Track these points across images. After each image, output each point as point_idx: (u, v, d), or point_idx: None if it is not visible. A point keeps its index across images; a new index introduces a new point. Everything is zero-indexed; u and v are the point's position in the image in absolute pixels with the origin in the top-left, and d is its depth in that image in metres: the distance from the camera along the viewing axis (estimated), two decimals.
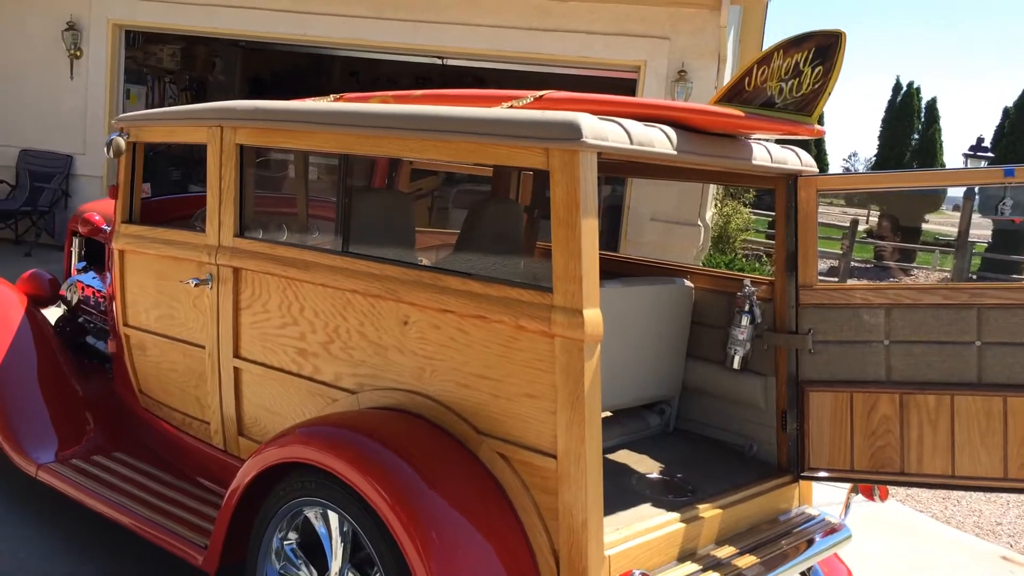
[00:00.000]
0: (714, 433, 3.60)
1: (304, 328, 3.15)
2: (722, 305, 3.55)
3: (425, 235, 4.57)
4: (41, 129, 11.30)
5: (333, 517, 2.71)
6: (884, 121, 28.49)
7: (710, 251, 11.01)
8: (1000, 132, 26.38)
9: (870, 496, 3.28)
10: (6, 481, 4.25)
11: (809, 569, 3.32)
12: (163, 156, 12.10)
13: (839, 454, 3.20)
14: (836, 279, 15.25)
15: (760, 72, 2.88)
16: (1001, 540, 5.10)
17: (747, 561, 2.88)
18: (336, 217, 3.88)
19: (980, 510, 5.54)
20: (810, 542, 3.14)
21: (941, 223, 34.00)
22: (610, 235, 10.13)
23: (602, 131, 2.43)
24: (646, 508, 2.85)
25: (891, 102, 28.35)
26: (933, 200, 27.14)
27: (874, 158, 30.38)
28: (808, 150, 3.36)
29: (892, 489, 3.99)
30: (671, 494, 3.00)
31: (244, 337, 3.38)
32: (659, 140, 2.63)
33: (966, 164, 17.33)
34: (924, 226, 26.25)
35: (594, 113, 2.48)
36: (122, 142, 3.85)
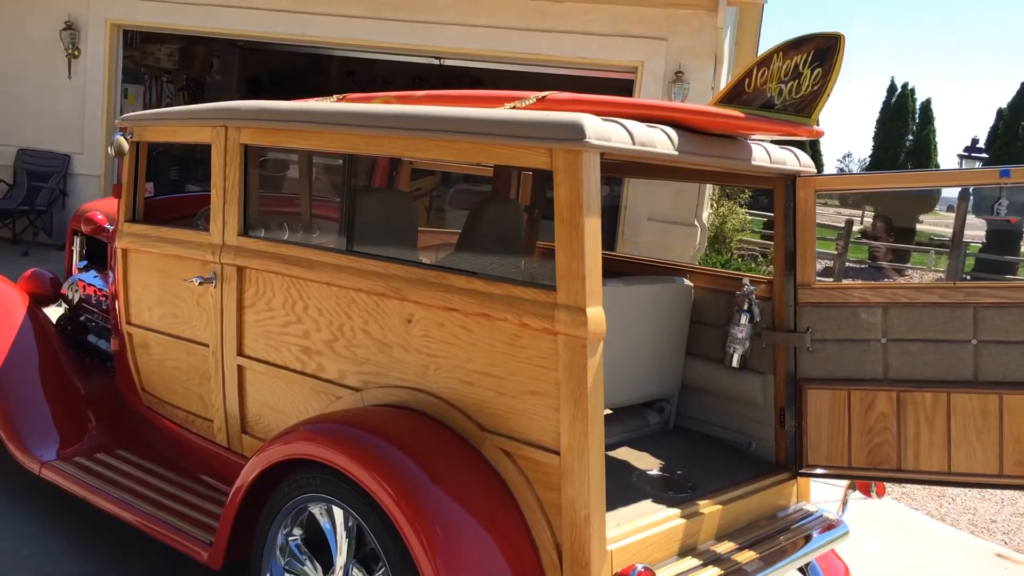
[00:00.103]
0: (713, 430, 3.64)
1: (308, 326, 3.18)
2: (721, 304, 3.59)
3: (425, 234, 4.60)
4: (39, 128, 11.32)
5: (338, 513, 2.74)
6: (879, 122, 28.55)
7: (706, 251, 11.06)
8: (994, 133, 26.48)
9: (867, 492, 3.32)
10: (8, 479, 4.27)
11: (807, 565, 3.36)
12: (161, 156, 12.11)
13: (837, 451, 3.24)
14: (831, 279, 15.31)
15: (760, 74, 2.92)
16: (996, 537, 5.14)
17: (746, 556, 2.91)
18: (340, 216, 3.91)
19: (975, 508, 5.59)
20: (808, 538, 3.18)
21: (935, 224, 34.12)
22: (607, 235, 10.16)
23: (605, 132, 2.46)
24: (647, 504, 2.88)
25: (886, 103, 28.41)
26: (927, 201, 27.23)
27: (868, 159, 30.45)
28: (803, 151, 3.39)
29: (888, 486, 4.04)
30: (671, 491, 3.03)
31: (248, 335, 3.41)
32: (660, 141, 2.67)
33: (961, 165, 17.40)
34: (918, 227, 26.36)
35: (596, 114, 2.52)
36: (124, 142, 3.88)
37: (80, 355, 4.76)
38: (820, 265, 17.17)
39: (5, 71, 11.43)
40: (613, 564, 2.53)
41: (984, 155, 18.24)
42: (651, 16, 9.69)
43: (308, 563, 2.89)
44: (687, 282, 3.61)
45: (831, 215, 30.60)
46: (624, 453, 3.35)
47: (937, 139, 27.16)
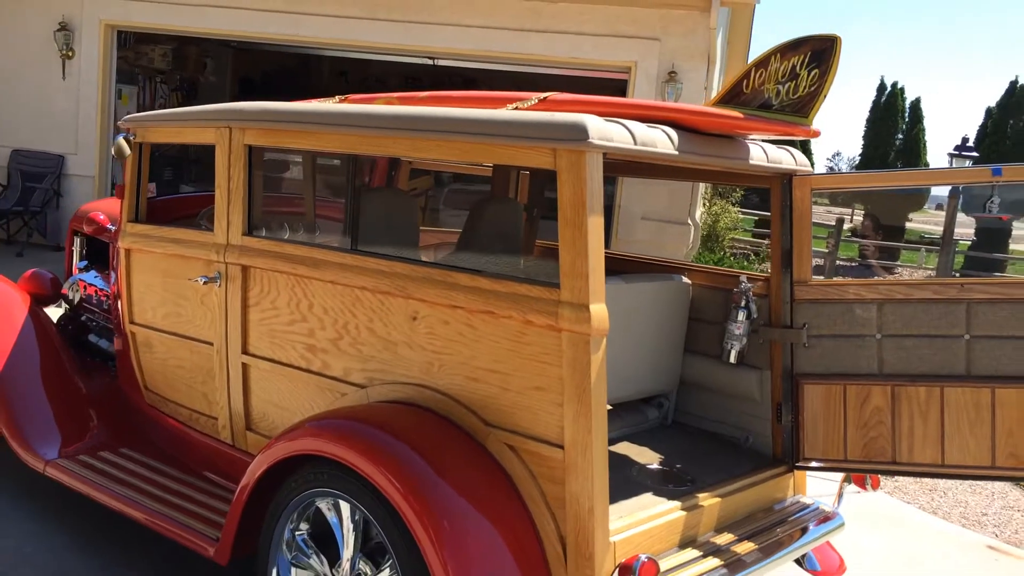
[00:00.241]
0: (711, 426, 3.70)
1: (313, 324, 3.22)
2: (719, 301, 3.64)
3: (423, 234, 4.64)
4: (33, 129, 11.32)
5: (345, 507, 2.79)
6: (868, 121, 28.71)
7: (699, 250, 11.13)
8: (983, 132, 26.66)
9: (862, 485, 3.39)
10: (12, 478, 4.30)
11: (803, 556, 3.42)
12: (155, 157, 12.11)
13: (832, 445, 3.30)
14: (822, 277, 15.40)
15: (758, 75, 2.98)
16: (987, 530, 5.22)
17: (745, 548, 2.97)
18: (344, 216, 3.96)
19: (966, 501, 5.67)
20: (804, 530, 3.25)
21: (924, 222, 34.31)
22: None
23: (607, 132, 2.51)
24: (648, 497, 2.94)
25: (875, 102, 28.58)
26: (917, 199, 27.40)
27: (858, 158, 30.60)
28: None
29: (881, 480, 4.10)
30: (671, 484, 3.09)
31: (252, 334, 3.45)
32: (661, 141, 2.72)
33: (951, 164, 17.55)
34: (908, 225, 26.52)
35: (598, 114, 2.57)
36: (124, 144, 3.92)
37: (81, 355, 4.80)
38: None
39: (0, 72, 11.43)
40: (616, 555, 2.58)
41: (974, 154, 18.39)
42: (644, 16, 9.76)
43: (314, 557, 2.94)
44: (685, 280, 3.67)
45: (821, 213, 30.71)
46: (624, 448, 3.40)
47: (927, 138, 27.30)
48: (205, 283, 3.54)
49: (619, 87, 10.31)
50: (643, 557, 2.48)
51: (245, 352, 3.47)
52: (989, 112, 27.19)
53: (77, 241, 5.23)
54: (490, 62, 11.00)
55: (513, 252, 4.01)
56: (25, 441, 3.98)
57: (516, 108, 2.94)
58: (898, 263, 21.44)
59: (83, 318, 5.08)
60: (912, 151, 27.00)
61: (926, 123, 27.45)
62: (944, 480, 5.85)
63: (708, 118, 2.91)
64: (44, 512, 4.07)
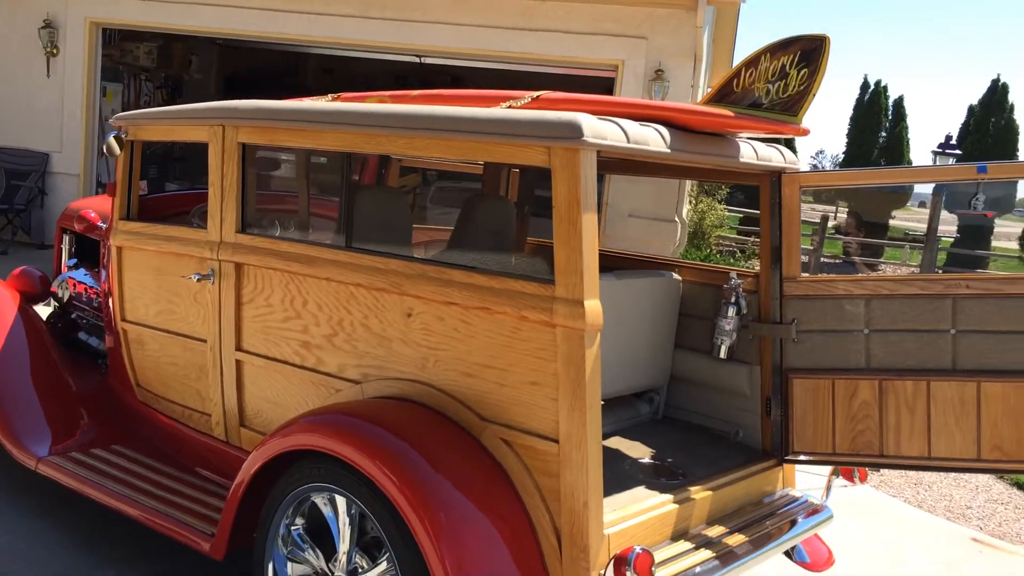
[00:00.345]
0: (701, 420, 3.74)
1: (307, 321, 3.24)
2: (709, 297, 3.69)
3: (413, 231, 4.67)
4: (17, 127, 11.25)
5: (341, 502, 2.81)
6: (852, 119, 28.83)
7: (686, 247, 11.19)
8: (965, 130, 26.85)
9: (850, 478, 3.44)
10: (4, 476, 4.29)
11: (793, 548, 3.47)
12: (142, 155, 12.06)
13: (821, 438, 3.35)
14: (806, 275, 15.48)
15: (748, 74, 3.02)
16: (971, 523, 5.29)
17: (735, 540, 3.02)
18: (339, 213, 3.97)
19: (951, 495, 5.74)
20: (793, 522, 3.29)
21: (907, 219, 34.57)
22: None
23: (601, 130, 2.55)
24: (640, 491, 2.98)
25: (859, 100, 28.71)
26: (900, 197, 27.59)
27: (842, 155, 30.76)
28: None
29: (868, 473, 4.15)
30: (663, 477, 3.13)
31: (246, 330, 3.46)
32: (653, 139, 2.76)
33: (935, 161, 17.68)
34: (891, 222, 26.71)
35: (591, 113, 2.60)
36: (114, 143, 3.92)
37: (71, 353, 4.79)
38: None
39: None
40: (610, 547, 2.62)
41: (957, 152, 18.54)
42: (631, 15, 9.80)
43: (310, 551, 2.96)
44: (676, 276, 3.71)
45: (805, 211, 30.81)
46: (616, 442, 3.44)
47: (910, 136, 27.48)
48: (199, 280, 3.55)
49: (606, 85, 10.35)
50: (638, 548, 2.51)
51: (239, 349, 3.49)
52: (971, 110, 27.37)
53: (66, 239, 5.23)
54: (478, 60, 11.02)
55: (505, 249, 4.04)
56: (16, 439, 3.98)
57: (510, 106, 2.97)
58: (882, 260, 21.60)
59: (73, 316, 5.08)
60: (895, 149, 27.14)
61: (909, 121, 27.62)
62: (929, 474, 5.93)
63: (699, 117, 2.95)
64: (38, 510, 4.07)
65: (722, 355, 3.54)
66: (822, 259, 18.57)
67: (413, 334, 2.93)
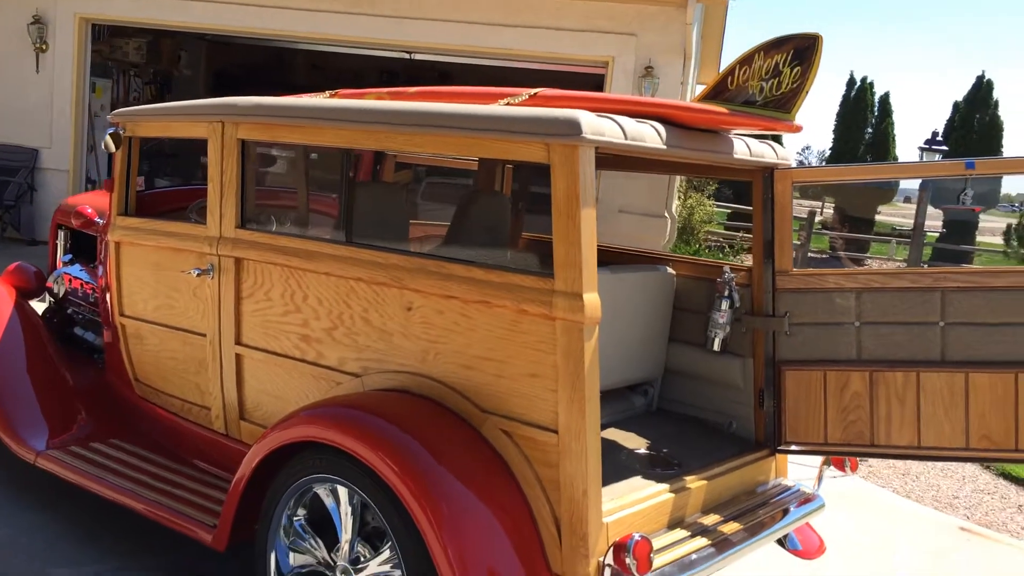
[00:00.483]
0: (695, 412, 3.80)
1: (307, 315, 3.28)
2: (702, 291, 3.74)
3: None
4: (6, 123, 11.22)
5: (343, 492, 2.86)
6: (838, 115, 28.95)
7: (676, 242, 11.26)
8: (951, 126, 27.03)
9: (841, 468, 3.50)
10: (4, 470, 4.31)
11: (785, 536, 3.54)
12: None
13: (813, 429, 3.42)
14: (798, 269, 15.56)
15: (742, 72, 3.08)
16: (959, 512, 5.38)
17: (730, 528, 3.08)
18: (339, 208, 4.01)
19: (938, 485, 5.83)
20: (786, 511, 3.36)
21: (892, 214, 34.76)
22: None
23: (599, 127, 2.59)
24: (637, 480, 3.03)
25: (845, 97, 28.83)
26: (886, 192, 27.74)
27: (828, 151, 30.90)
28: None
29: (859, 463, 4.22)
30: (659, 468, 3.19)
31: (246, 325, 3.50)
32: (650, 135, 2.81)
33: (922, 158, 17.83)
34: (877, 217, 26.86)
35: (588, 110, 2.64)
36: (110, 140, 3.95)
37: (67, 348, 4.81)
38: None
39: None
40: (609, 536, 2.67)
41: (944, 148, 18.71)
42: (621, 12, 9.85)
43: (312, 541, 3.01)
44: (670, 270, 3.77)
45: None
46: (612, 434, 3.49)
47: (895, 132, 27.65)
48: (198, 275, 3.58)
49: (596, 82, 10.41)
50: (637, 535, 2.56)
51: (239, 343, 3.53)
52: (956, 106, 27.55)
53: (61, 235, 5.24)
54: (468, 57, 11.06)
55: (502, 244, 4.08)
56: (15, 433, 4.01)
57: (508, 103, 3.01)
58: (868, 255, 21.74)
59: (69, 311, 5.09)
60: (881, 145, 27.28)
61: (895, 117, 27.78)
62: (917, 465, 6.02)
63: (695, 114, 3.01)
64: (37, 504, 4.09)
65: (716, 348, 3.60)
66: (809, 255, 18.69)
67: (413, 327, 2.97)
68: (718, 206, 18.74)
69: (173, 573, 3.63)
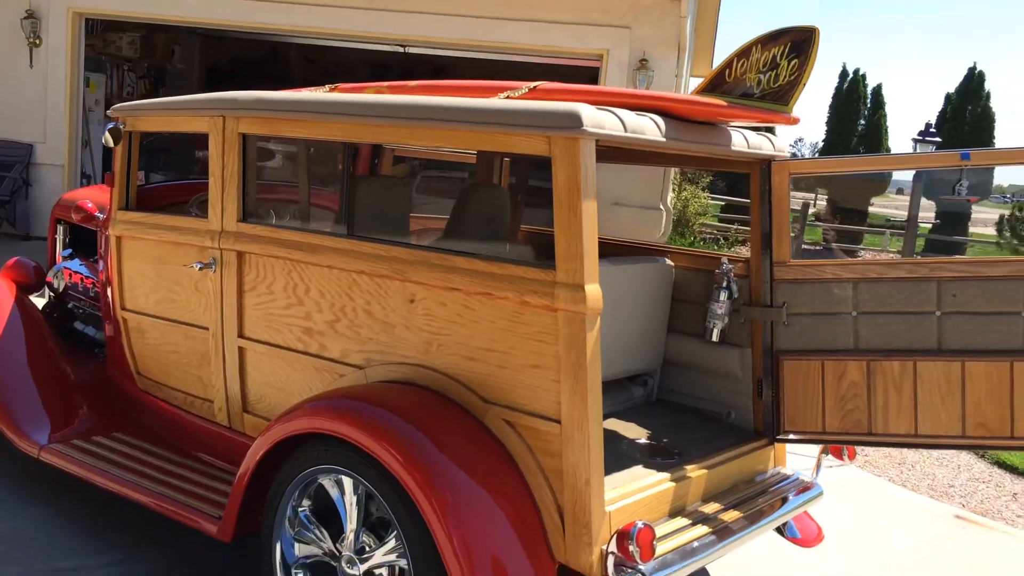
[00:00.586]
0: (694, 402, 3.83)
1: (310, 308, 3.30)
2: (701, 282, 3.78)
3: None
4: (0, 118, 11.19)
5: (348, 483, 2.88)
6: (831, 107, 29.03)
7: (671, 235, 11.30)
8: (943, 118, 27.12)
9: (839, 456, 3.54)
10: (7, 464, 4.33)
11: (784, 524, 3.58)
12: None
13: (811, 418, 3.45)
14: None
15: (740, 64, 3.11)
16: (954, 501, 5.43)
17: (730, 516, 3.12)
18: (339, 202, 4.03)
19: (933, 474, 5.88)
20: (784, 500, 3.40)
21: (885, 206, 34.86)
22: None
23: (600, 120, 2.62)
24: (638, 470, 3.07)
25: (838, 88, 28.91)
26: (879, 184, 27.82)
27: (821, 143, 30.96)
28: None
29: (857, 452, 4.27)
30: (659, 457, 3.22)
31: (248, 318, 3.52)
32: (649, 128, 2.84)
33: (915, 149, 17.88)
34: (870, 209, 26.94)
35: (587, 103, 2.67)
36: (108, 135, 3.97)
37: (68, 342, 4.83)
38: None
39: None
40: (611, 524, 2.71)
41: (937, 139, 18.78)
42: (615, 5, 9.87)
43: (317, 531, 3.03)
44: (669, 262, 3.80)
45: None
46: (612, 424, 3.53)
47: (888, 124, 27.72)
48: (201, 269, 3.60)
49: (590, 75, 10.43)
50: (640, 523, 2.59)
51: (241, 336, 3.55)
52: (948, 98, 27.65)
53: (60, 229, 5.25)
54: (463, 50, 11.05)
55: (501, 237, 4.11)
56: (17, 427, 4.02)
57: (507, 97, 3.04)
58: (861, 247, 21.81)
59: (69, 306, 5.11)
60: (874, 137, 27.37)
61: (887, 109, 27.85)
62: (912, 454, 6.07)
63: (693, 106, 3.03)
64: (40, 497, 4.11)
65: (714, 338, 3.63)
66: (803, 246, 18.75)
67: (416, 319, 3.00)
68: (712, 198, 18.79)
69: (178, 564, 3.65)
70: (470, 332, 2.86)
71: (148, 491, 3.51)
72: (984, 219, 28.23)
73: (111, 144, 4.01)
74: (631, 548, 2.56)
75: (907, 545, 4.63)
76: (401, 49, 12.70)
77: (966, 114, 26.78)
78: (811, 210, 23.69)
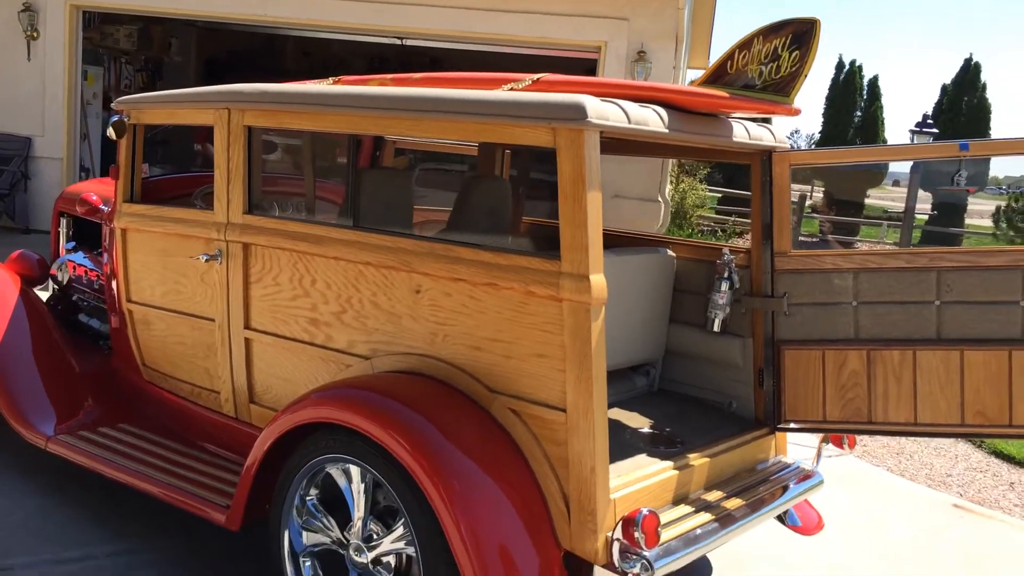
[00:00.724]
0: (695, 392, 3.87)
1: (316, 299, 3.33)
2: (702, 273, 3.81)
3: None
4: None
5: (355, 472, 2.92)
6: (827, 99, 29.08)
7: (669, 227, 11.33)
8: (939, 109, 27.17)
9: (840, 445, 3.58)
10: (13, 455, 4.36)
11: (785, 513, 3.62)
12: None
13: (812, 407, 3.49)
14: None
15: (741, 56, 3.13)
16: (952, 490, 5.48)
17: (732, 504, 3.16)
18: (344, 194, 4.05)
19: (931, 463, 5.93)
20: (785, 488, 3.43)
21: (881, 198, 34.91)
22: None
23: (604, 111, 2.65)
24: (642, 458, 3.10)
25: (834, 80, 28.95)
26: (875, 176, 27.89)
27: (818, 135, 31.00)
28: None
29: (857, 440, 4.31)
30: (662, 446, 3.26)
31: (255, 309, 3.55)
32: (652, 119, 2.87)
33: (912, 140, 17.92)
34: (866, 201, 27.01)
35: (591, 94, 2.69)
36: (111, 128, 3.99)
37: (72, 334, 4.86)
38: None
39: None
40: (616, 511, 2.75)
41: (934, 130, 18.84)
42: None
43: (324, 520, 3.07)
44: (670, 253, 3.83)
45: None
46: (615, 413, 3.56)
47: (884, 115, 27.78)
48: (207, 261, 3.63)
49: (588, 67, 10.44)
50: (645, 510, 2.63)
51: (248, 327, 3.58)
52: (945, 89, 27.70)
53: (63, 222, 5.27)
54: (459, 42, 11.06)
55: (504, 228, 4.14)
56: (24, 419, 4.05)
57: (511, 89, 3.06)
58: (857, 238, 21.86)
59: (74, 298, 5.13)
60: (870, 128, 27.44)
61: (884, 101, 27.91)
62: (910, 444, 6.12)
63: (695, 98, 3.06)
64: (47, 488, 4.14)
65: (716, 328, 3.67)
66: (800, 238, 18.80)
67: (422, 310, 3.03)
68: (710, 190, 18.82)
69: (186, 554, 3.69)
70: (476, 322, 2.89)
71: (156, 481, 3.54)
72: (980, 210, 28.30)
73: (114, 137, 4.04)
74: (636, 535, 2.60)
75: (905, 534, 4.68)
76: (399, 41, 12.69)
77: (962, 105, 26.84)
78: (808, 202, 23.74)
